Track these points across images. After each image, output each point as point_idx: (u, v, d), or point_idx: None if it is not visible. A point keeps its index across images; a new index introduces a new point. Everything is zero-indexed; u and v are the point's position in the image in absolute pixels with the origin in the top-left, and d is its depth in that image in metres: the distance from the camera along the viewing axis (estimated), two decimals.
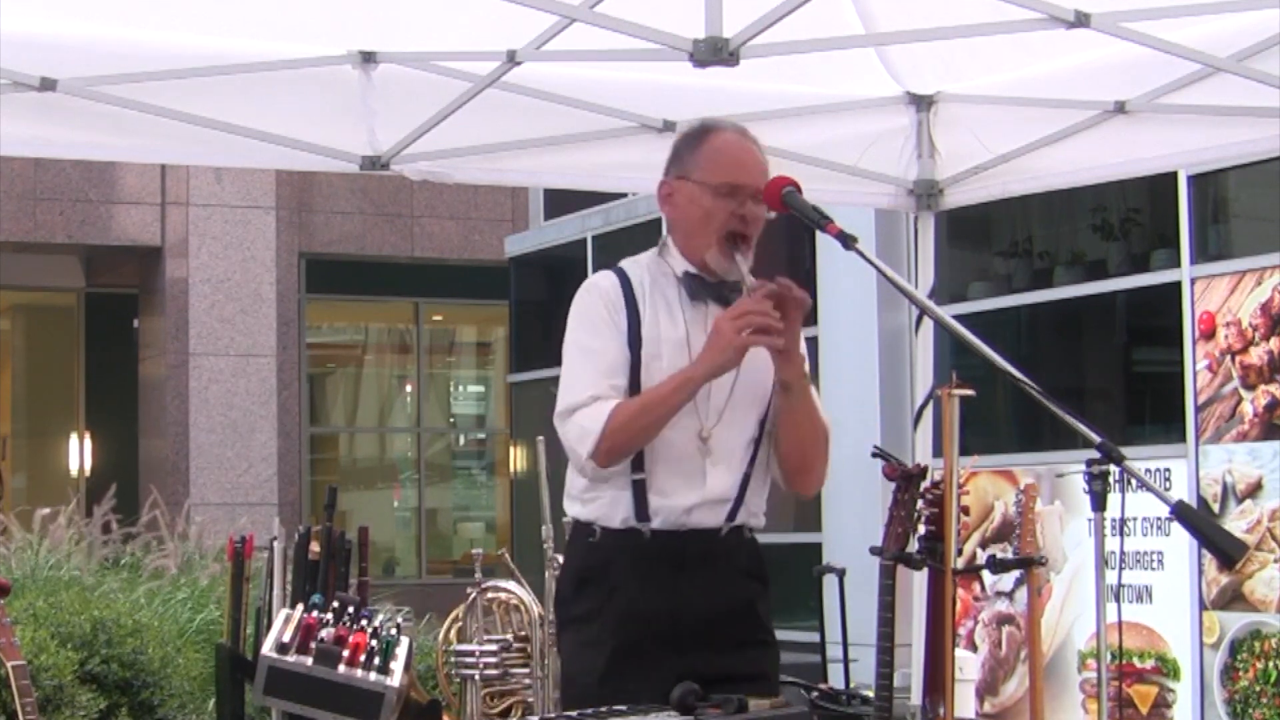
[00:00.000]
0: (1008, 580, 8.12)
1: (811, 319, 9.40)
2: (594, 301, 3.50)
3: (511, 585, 5.22)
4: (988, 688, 8.37)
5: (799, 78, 4.98)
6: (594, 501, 3.49)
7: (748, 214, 3.46)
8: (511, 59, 4.44)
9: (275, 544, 5.12)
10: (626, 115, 5.00)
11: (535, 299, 14.27)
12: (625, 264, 3.58)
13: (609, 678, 3.37)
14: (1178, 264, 7.85)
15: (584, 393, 3.41)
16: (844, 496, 9.35)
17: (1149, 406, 8.83)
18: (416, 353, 17.87)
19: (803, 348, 3.50)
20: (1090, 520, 3.60)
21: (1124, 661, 7.45)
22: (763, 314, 3.36)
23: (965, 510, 4.16)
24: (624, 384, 3.43)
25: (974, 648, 8.34)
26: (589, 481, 3.49)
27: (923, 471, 3.99)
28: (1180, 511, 3.21)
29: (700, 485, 3.45)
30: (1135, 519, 7.63)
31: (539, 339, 14.06)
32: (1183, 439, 7.69)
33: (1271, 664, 7.21)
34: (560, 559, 5.00)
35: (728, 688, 3.10)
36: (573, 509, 3.56)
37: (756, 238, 3.51)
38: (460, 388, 19.13)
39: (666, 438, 3.42)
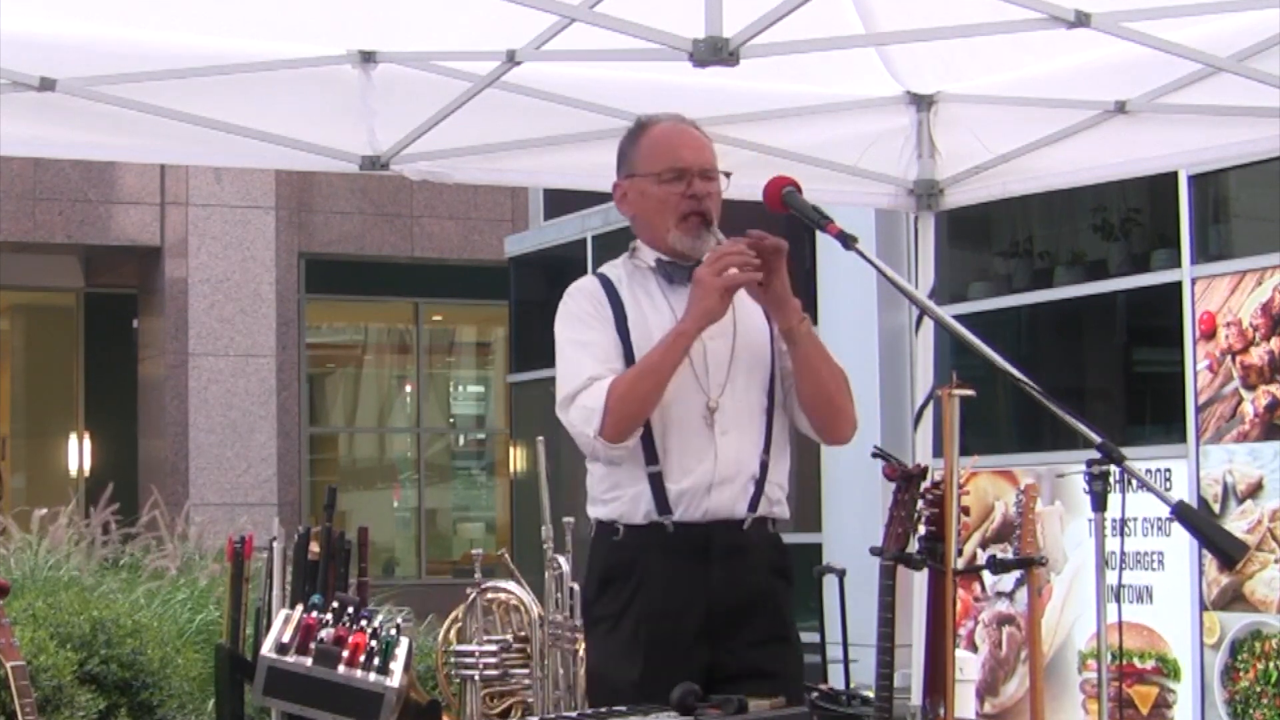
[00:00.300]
0: (1008, 581, 8.10)
1: (812, 318, 9.39)
2: (580, 301, 3.54)
3: (511, 586, 5.20)
4: (988, 688, 8.36)
5: (799, 77, 4.96)
6: (615, 500, 3.49)
7: (698, 191, 3.50)
8: (511, 59, 4.43)
9: (275, 544, 5.10)
10: (626, 115, 4.92)
11: (535, 299, 14.25)
12: (603, 269, 3.63)
13: (646, 677, 3.38)
14: (1178, 264, 7.84)
15: (582, 376, 3.43)
16: (844, 497, 9.34)
17: (1149, 407, 8.81)
18: (416, 353, 17.85)
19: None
20: (1091, 520, 3.60)
21: (1124, 662, 7.43)
22: (738, 253, 3.38)
23: (965, 510, 4.15)
24: (621, 369, 3.45)
25: (974, 648, 8.32)
26: (604, 472, 3.49)
27: (923, 472, 3.97)
28: (1181, 512, 3.22)
29: (712, 458, 3.44)
30: (1136, 519, 7.61)
31: (539, 339, 14.01)
32: (1183, 439, 7.67)
33: (1272, 664, 7.19)
34: (560, 559, 5.03)
35: (752, 684, 3.16)
36: (594, 510, 3.56)
37: (718, 213, 3.53)
38: (460, 388, 19.11)
39: (676, 419, 3.44)
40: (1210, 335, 7.51)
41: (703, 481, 3.44)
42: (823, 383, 3.53)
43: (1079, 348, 9.18)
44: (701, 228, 3.49)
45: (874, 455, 3.99)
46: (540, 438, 5.47)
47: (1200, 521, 3.35)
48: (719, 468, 3.45)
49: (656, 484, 3.45)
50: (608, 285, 3.55)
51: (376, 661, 4.36)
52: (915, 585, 4.48)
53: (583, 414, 3.40)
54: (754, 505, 3.49)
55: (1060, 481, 7.70)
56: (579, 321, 3.51)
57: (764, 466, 3.50)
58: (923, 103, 5.19)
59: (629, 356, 3.46)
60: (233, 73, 4.57)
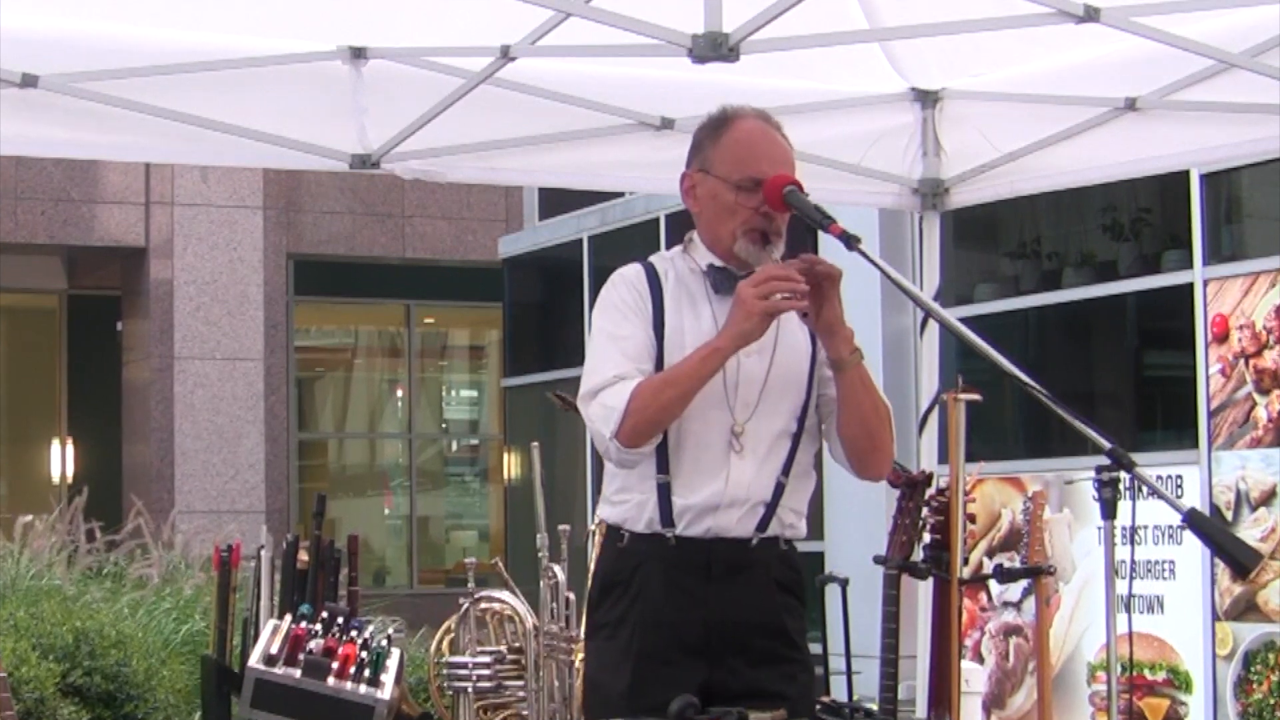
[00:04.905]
0: (1015, 590, 8.13)
1: None
2: (620, 290, 3.46)
3: (505, 595, 5.16)
4: (995, 700, 8.37)
5: (801, 74, 4.93)
6: (622, 504, 3.45)
7: (771, 209, 3.40)
8: (505, 54, 4.40)
9: (262, 553, 5.08)
10: (623, 112, 4.98)
11: (530, 301, 14.23)
12: (653, 258, 3.55)
13: (635, 688, 3.34)
14: (1190, 265, 7.87)
15: (608, 374, 3.36)
16: (847, 504, 9.31)
17: (1160, 411, 8.83)
18: (408, 356, 17.82)
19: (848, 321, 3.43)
20: (1100, 528, 3.61)
21: (1135, 673, 7.45)
22: (786, 278, 3.28)
23: (971, 518, 4.13)
24: (650, 369, 3.39)
25: (980, 659, 8.35)
26: (615, 471, 3.44)
27: (928, 478, 3.96)
28: (1192, 519, 3.19)
29: (723, 480, 3.38)
30: (1146, 527, 7.62)
31: (534, 342, 14.02)
32: (1195, 445, 7.68)
33: None
34: (555, 568, 4.99)
35: (755, 704, 3.10)
36: (603, 511, 3.52)
37: (785, 227, 3.45)
38: (452, 392, 19.11)
39: (695, 433, 3.38)
40: (1223, 338, 7.51)
41: (710, 501, 3.39)
42: (865, 417, 3.46)
43: (1088, 351, 9.20)
44: (763, 244, 3.39)
45: None
46: (535, 443, 5.47)
47: (1212, 529, 3.32)
48: (729, 490, 3.39)
49: (663, 494, 3.39)
50: (652, 277, 3.47)
51: (367, 673, 4.33)
52: (920, 595, 4.50)
53: (602, 412, 3.33)
54: (763, 526, 3.43)
55: (1069, 488, 7.74)
56: (617, 312, 3.44)
57: (780, 489, 3.44)
58: (928, 100, 5.16)
59: (659, 357, 3.40)
60: (220, 69, 4.54)
